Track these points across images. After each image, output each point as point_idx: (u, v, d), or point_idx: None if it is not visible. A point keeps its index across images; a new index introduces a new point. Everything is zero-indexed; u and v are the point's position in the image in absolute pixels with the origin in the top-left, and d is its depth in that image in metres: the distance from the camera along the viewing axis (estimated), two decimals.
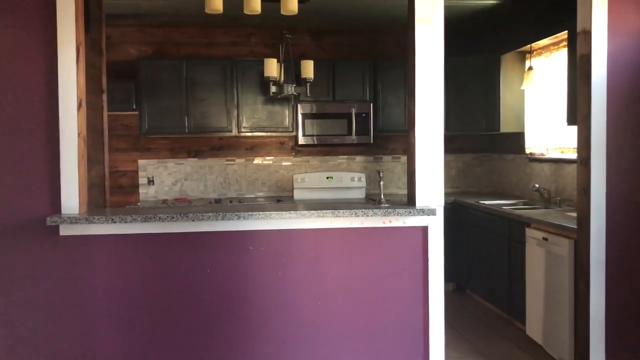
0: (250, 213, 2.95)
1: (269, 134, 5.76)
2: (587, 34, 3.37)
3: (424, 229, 3.14)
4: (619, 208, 3.39)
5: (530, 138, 5.47)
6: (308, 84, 5.26)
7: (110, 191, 4.63)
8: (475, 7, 5.16)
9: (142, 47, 5.76)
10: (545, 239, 3.82)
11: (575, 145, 3.57)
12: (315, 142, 5.69)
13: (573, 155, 4.50)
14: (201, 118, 5.51)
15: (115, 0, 4.67)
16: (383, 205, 3.23)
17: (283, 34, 5.41)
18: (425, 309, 3.14)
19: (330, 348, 3.12)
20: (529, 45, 5.21)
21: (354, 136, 5.69)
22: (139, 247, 2.99)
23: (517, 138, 5.61)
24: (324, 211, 3.02)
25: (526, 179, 5.42)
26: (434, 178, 3.16)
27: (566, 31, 4.38)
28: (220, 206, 4.24)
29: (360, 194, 5.86)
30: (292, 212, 3.01)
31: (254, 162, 5.96)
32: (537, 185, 4.98)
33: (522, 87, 5.32)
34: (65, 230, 2.93)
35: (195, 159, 5.86)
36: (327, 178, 5.86)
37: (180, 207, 4.54)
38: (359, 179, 5.86)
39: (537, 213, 4.32)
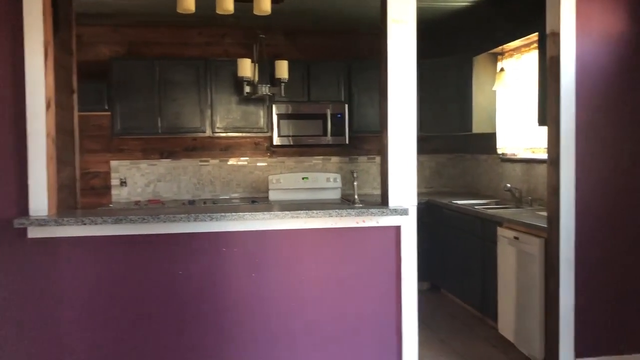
0: (223, 214, 2.93)
1: (243, 134, 5.73)
2: (556, 36, 3.43)
3: (397, 229, 3.16)
4: (588, 207, 3.46)
5: (502, 139, 5.55)
6: (282, 84, 5.26)
7: (82, 193, 4.57)
8: (447, 9, 5.21)
9: (114, 47, 5.69)
10: (516, 238, 3.88)
11: (546, 146, 3.63)
12: (291, 143, 5.68)
13: (544, 156, 4.56)
14: (174, 118, 5.46)
15: None
16: (357, 205, 3.24)
17: (257, 34, 5.40)
18: (399, 308, 3.17)
19: (304, 349, 3.12)
20: (501, 47, 5.28)
21: (329, 137, 5.70)
22: (110, 250, 2.95)
23: (490, 139, 5.67)
24: (298, 212, 3.02)
25: (498, 179, 5.49)
26: (407, 178, 3.18)
27: (537, 33, 4.44)
28: (193, 207, 4.20)
29: (335, 195, 5.87)
30: (265, 212, 3.00)
31: (229, 162, 5.93)
32: (508, 185, 5.05)
33: (494, 88, 5.38)
34: (33, 233, 2.88)
35: (169, 160, 5.81)
36: (303, 179, 5.86)
37: (153, 208, 4.49)
38: (335, 180, 5.88)
39: (508, 212, 4.37)
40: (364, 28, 5.85)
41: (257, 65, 5.31)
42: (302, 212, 3.03)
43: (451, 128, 5.79)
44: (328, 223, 3.10)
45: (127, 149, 5.74)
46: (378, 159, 6.09)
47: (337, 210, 3.07)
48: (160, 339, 3.00)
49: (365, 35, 6.04)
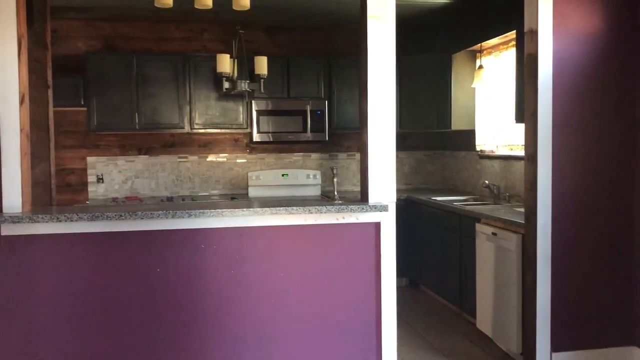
0: (201, 211, 2.91)
1: (222, 130, 5.69)
2: (534, 33, 3.46)
3: (377, 225, 3.16)
4: (565, 203, 3.50)
5: (480, 135, 5.59)
6: (262, 80, 5.23)
7: (58, 189, 4.50)
8: (426, 6, 5.23)
9: (91, 41, 5.60)
10: (494, 233, 3.91)
11: (523, 143, 3.66)
12: (271, 139, 5.65)
13: (521, 153, 4.61)
14: (152, 114, 5.40)
15: None
16: (337, 202, 3.24)
17: (236, 30, 5.36)
18: (378, 304, 3.17)
19: (284, 346, 3.11)
20: (480, 45, 5.31)
21: (309, 133, 5.68)
22: (85, 247, 2.90)
23: (468, 135, 5.72)
24: (277, 208, 3.01)
25: (477, 175, 5.54)
26: (386, 175, 3.19)
27: (514, 31, 4.49)
28: (171, 204, 4.17)
29: (315, 191, 5.86)
30: (244, 209, 2.99)
31: (208, 159, 5.88)
32: (487, 182, 5.09)
33: (472, 86, 5.42)
34: (6, 230, 2.81)
35: (147, 156, 5.74)
36: (283, 175, 5.84)
37: (130, 205, 4.44)
38: (315, 176, 5.87)
39: (486, 209, 4.41)
40: (344, 24, 5.85)
41: (236, 61, 5.28)
42: (281, 208, 3.01)
43: (430, 125, 5.82)
44: (308, 219, 3.10)
45: (104, 145, 5.66)
46: (358, 155, 6.10)
47: (316, 206, 3.06)
48: (136, 337, 2.96)
49: (345, 31, 6.04)
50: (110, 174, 5.68)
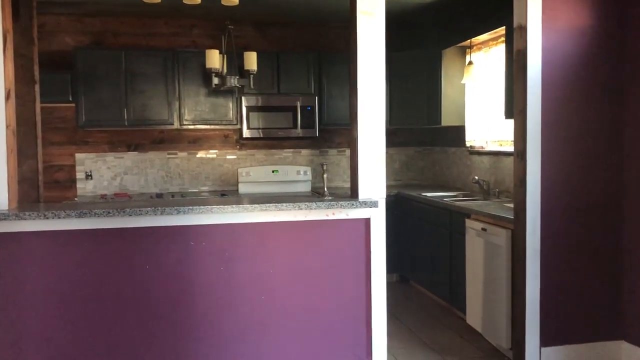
0: (190, 207, 2.89)
1: (212, 126, 5.66)
2: (523, 29, 3.47)
3: (367, 221, 3.16)
4: (554, 198, 3.51)
5: (470, 131, 5.60)
6: (251, 76, 5.21)
7: (46, 186, 4.47)
8: (416, 2, 5.22)
9: (79, 36, 5.55)
10: (484, 229, 3.92)
11: (513, 139, 3.67)
12: (261, 135, 5.64)
13: (511, 148, 4.63)
14: (141, 110, 5.36)
15: None
16: (327, 198, 3.24)
17: (225, 25, 5.33)
18: (368, 299, 3.17)
19: (274, 342, 3.10)
20: (469, 40, 5.32)
21: (299, 129, 5.67)
22: (73, 244, 2.87)
23: (458, 131, 5.73)
24: (267, 204, 2.99)
25: (467, 171, 5.55)
26: (376, 171, 3.19)
27: (504, 27, 4.49)
28: (160, 201, 4.14)
29: (306, 187, 5.85)
30: (234, 205, 2.97)
31: (197, 155, 5.86)
32: (477, 178, 5.11)
33: (462, 82, 5.43)
34: None
35: (136, 153, 5.71)
36: (273, 171, 5.83)
37: (119, 202, 4.41)
38: (305, 173, 5.86)
39: (476, 204, 4.42)
40: (334, 20, 5.83)
41: (225, 56, 5.25)
42: (271, 205, 3.00)
43: (420, 121, 5.82)
44: (298, 216, 3.09)
45: (92, 142, 5.62)
46: (348, 151, 6.08)
47: (306, 203, 3.05)
48: (125, 334, 2.95)
49: (336, 27, 6.03)
50: (99, 171, 5.64)
